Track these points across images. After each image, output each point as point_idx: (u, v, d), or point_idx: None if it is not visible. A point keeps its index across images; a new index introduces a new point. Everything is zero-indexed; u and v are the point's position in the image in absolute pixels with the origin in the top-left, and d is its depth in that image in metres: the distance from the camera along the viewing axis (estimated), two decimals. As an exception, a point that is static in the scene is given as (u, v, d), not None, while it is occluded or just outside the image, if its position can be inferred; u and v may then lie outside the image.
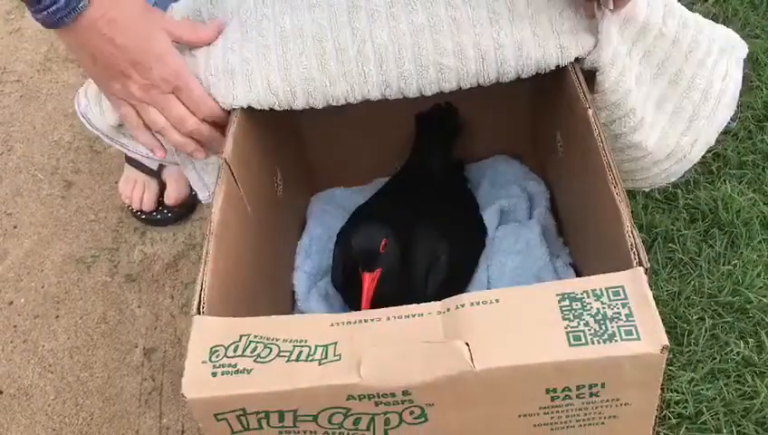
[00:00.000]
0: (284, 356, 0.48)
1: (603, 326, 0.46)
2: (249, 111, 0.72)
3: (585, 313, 0.47)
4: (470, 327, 0.47)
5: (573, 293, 0.48)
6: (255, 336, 0.50)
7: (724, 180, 0.92)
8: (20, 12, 1.36)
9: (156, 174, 1.02)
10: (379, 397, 0.47)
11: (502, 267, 0.80)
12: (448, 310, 0.49)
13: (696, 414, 0.74)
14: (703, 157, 0.94)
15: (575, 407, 0.48)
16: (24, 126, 1.19)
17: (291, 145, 0.88)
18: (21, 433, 0.86)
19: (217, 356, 0.49)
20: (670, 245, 0.87)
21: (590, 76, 0.68)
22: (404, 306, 0.50)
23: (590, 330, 0.46)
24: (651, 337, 0.46)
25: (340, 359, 0.47)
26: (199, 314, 0.52)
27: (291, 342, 0.49)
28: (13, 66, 1.29)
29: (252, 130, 0.73)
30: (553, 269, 0.79)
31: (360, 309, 0.67)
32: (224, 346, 0.49)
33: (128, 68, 0.66)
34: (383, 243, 0.70)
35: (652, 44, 0.70)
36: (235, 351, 0.49)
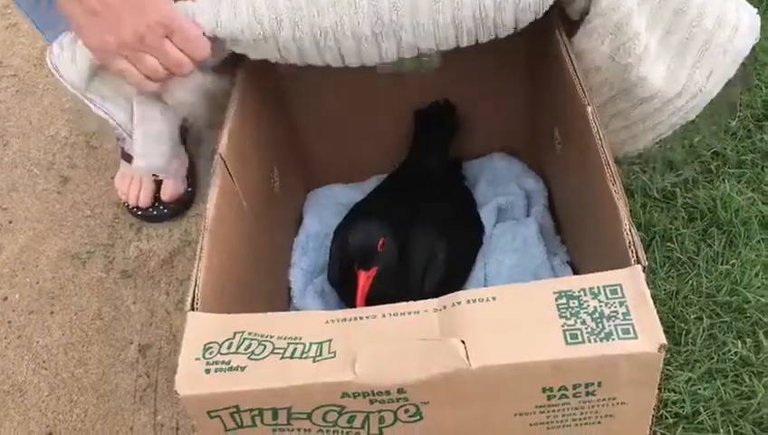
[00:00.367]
0: (278, 353, 0.48)
1: (600, 325, 0.46)
2: (246, 105, 0.71)
3: (582, 311, 0.47)
4: (466, 325, 0.47)
5: (570, 291, 0.48)
6: (250, 333, 0.49)
7: (723, 179, 0.92)
8: (17, 6, 1.36)
9: (150, 169, 1.02)
10: (373, 395, 0.47)
11: (499, 265, 0.80)
12: (444, 307, 0.49)
13: (693, 414, 0.74)
14: (702, 156, 0.94)
15: (571, 406, 0.48)
16: (21, 121, 1.19)
17: (288, 141, 0.88)
18: (14, 429, 0.85)
19: (211, 353, 0.48)
20: (668, 244, 0.87)
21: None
22: (400, 304, 0.49)
23: (587, 328, 0.46)
24: (648, 336, 0.45)
25: (334, 356, 0.47)
26: (193, 310, 0.52)
27: (285, 339, 0.48)
28: (9, 61, 1.28)
29: (248, 124, 0.72)
30: (551, 267, 0.79)
31: (355, 307, 0.67)
32: (217, 343, 0.49)
33: (121, 14, 0.65)
34: (381, 242, 0.69)
35: None
36: (228, 348, 0.49)
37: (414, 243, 0.75)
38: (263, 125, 0.78)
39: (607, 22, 0.66)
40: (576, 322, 0.46)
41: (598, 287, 0.48)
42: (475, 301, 0.48)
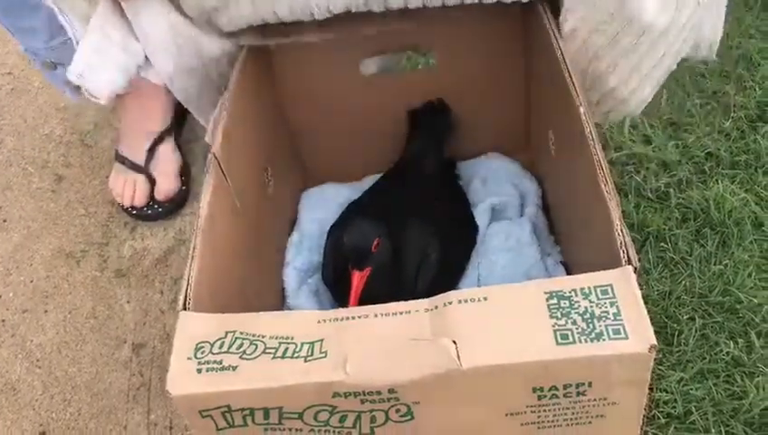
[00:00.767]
0: (270, 353, 0.48)
1: (591, 325, 0.46)
2: (240, 104, 0.71)
3: (573, 311, 0.47)
4: (457, 325, 0.47)
5: (561, 291, 0.48)
6: (241, 333, 0.49)
7: (717, 180, 0.92)
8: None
9: (143, 170, 1.02)
10: (364, 395, 0.47)
11: (492, 265, 0.80)
12: (436, 308, 0.49)
13: (684, 414, 0.74)
14: (695, 156, 0.95)
15: (562, 406, 0.48)
16: (15, 119, 1.19)
17: (282, 140, 0.88)
18: (8, 428, 0.85)
19: (203, 353, 0.48)
20: (662, 244, 0.87)
21: None
22: (392, 304, 0.50)
23: (577, 329, 0.46)
24: (639, 336, 0.45)
25: (326, 356, 0.47)
26: (185, 309, 0.52)
27: (277, 338, 0.48)
28: (4, 59, 1.28)
29: (242, 123, 0.72)
30: (544, 267, 0.79)
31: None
32: (209, 342, 0.49)
33: None
34: (375, 242, 0.69)
35: None
36: (220, 347, 0.49)
37: (407, 242, 0.75)
38: (257, 124, 0.78)
39: None
40: (567, 322, 0.46)
41: (589, 288, 0.48)
42: (466, 301, 0.48)
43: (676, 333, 0.79)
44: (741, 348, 0.78)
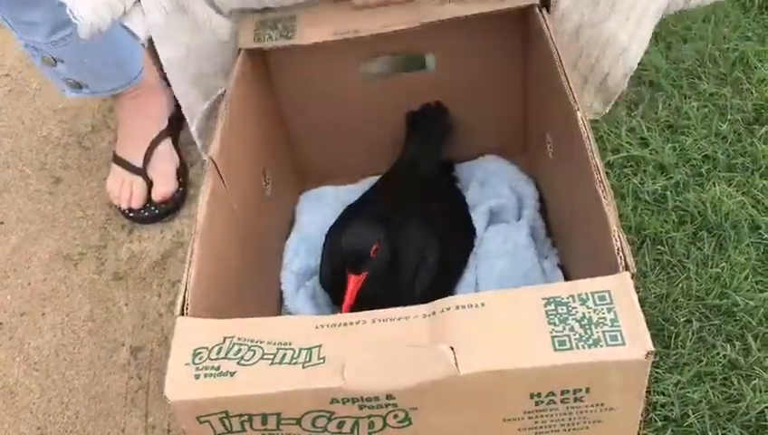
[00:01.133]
0: (268, 359, 0.48)
1: (588, 331, 0.46)
2: (237, 107, 0.71)
3: (570, 317, 0.47)
4: (455, 331, 0.47)
5: (559, 297, 0.48)
6: (239, 338, 0.49)
7: (714, 183, 0.92)
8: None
9: (141, 171, 1.01)
10: (362, 401, 0.47)
11: (490, 268, 0.80)
12: (434, 313, 0.49)
13: (681, 417, 0.74)
14: (693, 159, 0.95)
15: (560, 411, 0.48)
16: (13, 121, 1.18)
17: (280, 143, 0.88)
18: (5, 431, 0.85)
19: (201, 358, 0.48)
20: (659, 247, 0.87)
21: None
22: (389, 309, 0.50)
23: (575, 335, 0.46)
24: (636, 342, 0.46)
25: (324, 362, 0.47)
26: (183, 314, 0.52)
27: (275, 344, 0.49)
28: (1, 61, 1.28)
29: (240, 126, 0.72)
30: (542, 270, 0.79)
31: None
32: (207, 348, 0.49)
33: None
34: (375, 247, 0.69)
35: None
36: (218, 353, 0.49)
37: (405, 245, 0.75)
38: (254, 127, 0.78)
39: None
40: (564, 328, 0.47)
41: (586, 294, 0.48)
42: (464, 307, 0.48)
43: (674, 336, 0.80)
44: (738, 351, 0.78)
